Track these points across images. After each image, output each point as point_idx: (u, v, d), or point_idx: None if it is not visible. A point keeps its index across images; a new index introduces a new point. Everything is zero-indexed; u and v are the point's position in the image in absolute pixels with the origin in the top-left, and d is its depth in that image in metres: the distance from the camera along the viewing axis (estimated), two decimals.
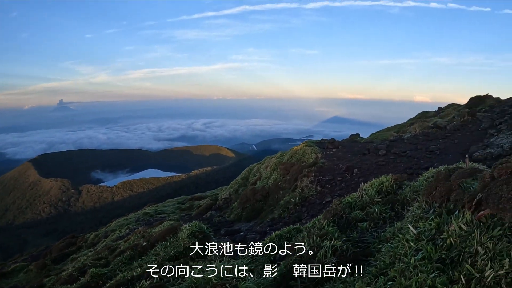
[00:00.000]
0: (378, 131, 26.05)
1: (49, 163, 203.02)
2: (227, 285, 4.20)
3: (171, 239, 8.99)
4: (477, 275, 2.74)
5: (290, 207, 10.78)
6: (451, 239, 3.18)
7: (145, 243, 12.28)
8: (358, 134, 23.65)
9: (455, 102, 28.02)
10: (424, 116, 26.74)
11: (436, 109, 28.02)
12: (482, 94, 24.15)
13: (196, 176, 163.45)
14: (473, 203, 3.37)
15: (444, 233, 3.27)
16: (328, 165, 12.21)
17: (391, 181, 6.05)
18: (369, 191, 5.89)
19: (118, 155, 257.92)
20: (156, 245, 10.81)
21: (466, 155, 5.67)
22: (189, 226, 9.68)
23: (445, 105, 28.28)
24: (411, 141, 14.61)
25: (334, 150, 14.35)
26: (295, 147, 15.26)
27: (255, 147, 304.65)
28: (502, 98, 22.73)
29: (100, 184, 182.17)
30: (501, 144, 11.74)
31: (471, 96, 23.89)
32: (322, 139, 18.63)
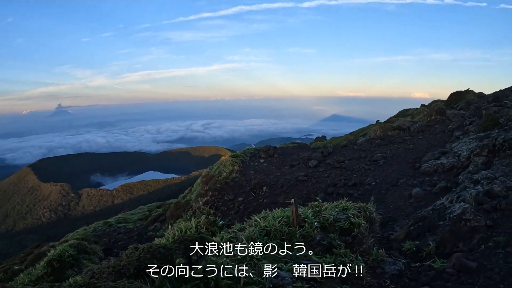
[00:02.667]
0: (348, 134, 23.78)
1: (48, 168, 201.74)
2: None
3: (37, 265, 8.17)
4: None
5: None
6: None
7: (16, 268, 10.66)
8: (324, 137, 21.20)
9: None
10: (403, 113, 24.30)
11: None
12: (463, 90, 21.75)
13: (196, 177, 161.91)
14: None
15: None
16: (238, 181, 9.85)
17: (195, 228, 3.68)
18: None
19: (117, 158, 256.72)
20: (25, 270, 9.23)
21: (292, 200, 3.68)
22: (53, 252, 8.40)
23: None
24: (362, 146, 12.18)
25: (262, 160, 11.97)
26: (223, 158, 12.89)
27: (254, 147, 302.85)
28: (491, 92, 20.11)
29: (100, 188, 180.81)
30: (459, 152, 9.21)
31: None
32: (318, 137, 16.70)
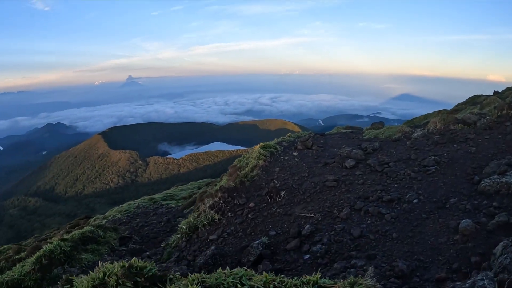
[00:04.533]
0: (409, 121, 21.38)
1: (118, 136, 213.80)
2: None
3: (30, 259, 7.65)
4: None
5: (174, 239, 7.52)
6: None
7: (16, 257, 10.43)
8: (382, 123, 19.13)
9: None
10: (472, 100, 21.31)
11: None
12: None
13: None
14: None
15: None
16: (257, 180, 8.46)
17: None
18: None
19: (185, 128, 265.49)
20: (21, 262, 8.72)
21: None
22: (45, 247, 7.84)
23: None
24: (416, 143, 10.22)
25: (296, 153, 10.43)
26: (255, 147, 11.54)
27: (321, 123, 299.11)
28: None
29: (167, 156, 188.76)
30: None
31: None
32: (374, 123, 16.02)
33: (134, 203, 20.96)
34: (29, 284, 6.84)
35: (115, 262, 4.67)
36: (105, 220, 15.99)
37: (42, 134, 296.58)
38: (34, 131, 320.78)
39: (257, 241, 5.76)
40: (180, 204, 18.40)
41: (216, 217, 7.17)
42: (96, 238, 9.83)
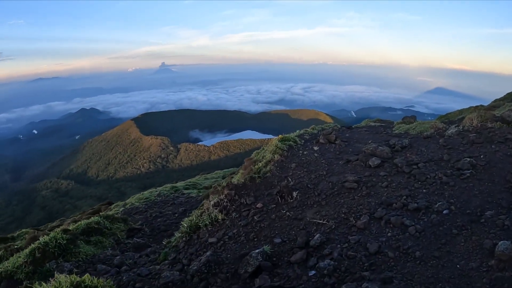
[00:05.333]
0: (443, 116, 19.99)
1: (150, 122, 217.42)
2: None
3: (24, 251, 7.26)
4: None
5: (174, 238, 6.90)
6: None
7: (15, 247, 10.10)
8: (414, 117, 17.97)
9: None
10: (511, 97, 19.71)
11: None
12: None
13: None
14: None
15: None
16: (270, 177, 7.70)
17: None
18: None
19: (216, 116, 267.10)
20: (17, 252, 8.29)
21: None
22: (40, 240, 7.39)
23: None
24: (450, 141, 9.22)
25: (316, 147, 9.61)
26: (274, 138, 10.76)
27: (354, 114, 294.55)
28: None
29: (198, 143, 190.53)
30: None
31: None
32: (406, 116, 15.09)
33: (156, 191, 20.67)
34: (20, 277, 6.47)
35: (68, 276, 4.16)
36: (122, 208, 15.72)
37: (75, 119, 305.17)
38: (68, 115, 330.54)
39: (257, 250, 5.07)
40: (201, 194, 17.95)
41: (220, 217, 6.51)
42: (102, 229, 9.41)
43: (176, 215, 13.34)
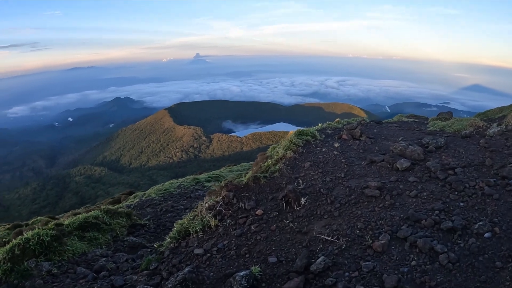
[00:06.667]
0: (482, 113, 18.13)
1: (184, 112, 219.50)
2: None
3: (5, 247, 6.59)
4: None
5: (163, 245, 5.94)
6: None
7: (4, 240, 9.85)
8: (450, 113, 16.39)
9: None
10: None
11: None
12: None
13: None
14: None
15: None
16: (277, 177, 6.60)
17: None
18: None
19: (250, 107, 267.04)
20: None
21: None
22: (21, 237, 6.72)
23: None
24: (492, 142, 7.87)
25: (337, 144, 8.44)
26: (290, 133, 9.65)
27: (388, 109, 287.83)
28: None
29: (231, 134, 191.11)
30: None
31: None
32: (442, 112, 14.04)
33: (177, 182, 19.93)
34: None
35: None
36: (138, 200, 15.07)
37: (110, 107, 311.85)
38: (102, 104, 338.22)
39: (243, 272, 4.05)
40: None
41: (213, 223, 5.52)
42: (99, 224, 8.65)
43: (187, 210, 12.49)
